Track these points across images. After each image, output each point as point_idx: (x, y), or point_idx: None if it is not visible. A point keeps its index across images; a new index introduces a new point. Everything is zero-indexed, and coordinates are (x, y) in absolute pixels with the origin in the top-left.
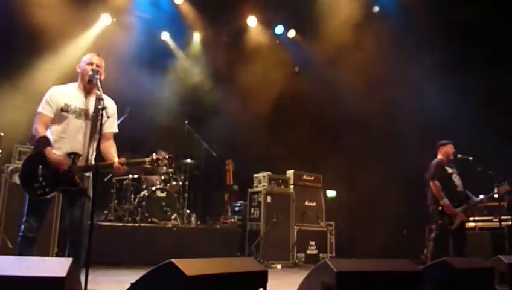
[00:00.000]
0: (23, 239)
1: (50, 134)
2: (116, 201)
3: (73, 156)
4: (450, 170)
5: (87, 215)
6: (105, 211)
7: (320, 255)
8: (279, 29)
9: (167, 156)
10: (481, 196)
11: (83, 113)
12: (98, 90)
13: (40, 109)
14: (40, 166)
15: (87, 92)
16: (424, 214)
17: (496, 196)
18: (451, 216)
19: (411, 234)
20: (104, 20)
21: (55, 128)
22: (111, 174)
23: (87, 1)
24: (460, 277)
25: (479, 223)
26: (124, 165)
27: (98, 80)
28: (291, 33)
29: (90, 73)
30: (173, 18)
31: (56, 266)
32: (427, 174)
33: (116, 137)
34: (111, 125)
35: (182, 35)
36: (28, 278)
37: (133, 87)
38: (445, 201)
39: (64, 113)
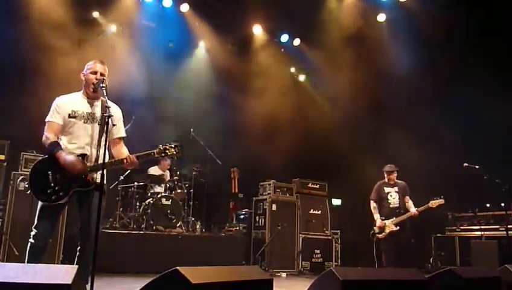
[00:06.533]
0: (34, 246)
1: (60, 140)
2: (121, 209)
3: (81, 157)
4: (387, 190)
5: (95, 221)
6: (111, 219)
7: (326, 263)
8: (284, 38)
9: (174, 145)
10: (412, 209)
11: (90, 118)
12: (104, 97)
13: (48, 118)
14: (51, 171)
15: (92, 98)
16: (430, 223)
17: (430, 206)
18: (381, 227)
19: (417, 243)
20: (111, 29)
21: (65, 133)
22: (116, 182)
23: (94, 10)
24: (466, 286)
25: (486, 233)
26: (135, 159)
27: (104, 89)
28: (297, 41)
29: (95, 82)
30: (179, 27)
31: (62, 273)
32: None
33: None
34: (119, 131)
35: (187, 44)
36: (34, 285)
37: (139, 95)
38: (376, 216)
39: (72, 119)
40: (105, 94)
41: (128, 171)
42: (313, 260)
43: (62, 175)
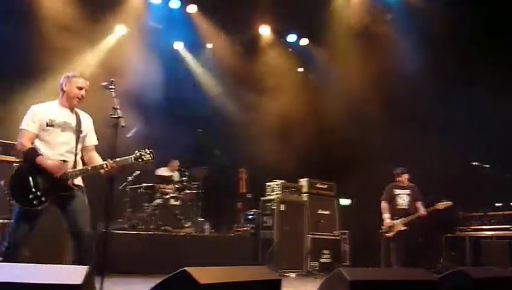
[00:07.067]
0: (11, 251)
1: (39, 146)
2: (130, 209)
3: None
4: (396, 192)
5: (84, 219)
6: (120, 220)
7: (334, 263)
8: (291, 38)
9: (149, 151)
10: (421, 211)
11: (67, 126)
12: (114, 99)
13: (23, 126)
14: (31, 177)
15: (70, 108)
16: (440, 223)
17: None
18: (389, 226)
19: (427, 242)
20: (119, 31)
21: (43, 141)
22: (125, 183)
23: (102, 12)
24: (476, 286)
25: (496, 232)
26: (114, 164)
27: (113, 91)
28: (304, 41)
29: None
30: (186, 28)
31: (72, 273)
32: None
33: (129, 146)
34: (91, 139)
35: (195, 45)
36: (44, 286)
37: (147, 96)
38: (385, 216)
39: (50, 128)
40: (114, 95)
41: (138, 172)
42: (322, 260)
43: (43, 180)
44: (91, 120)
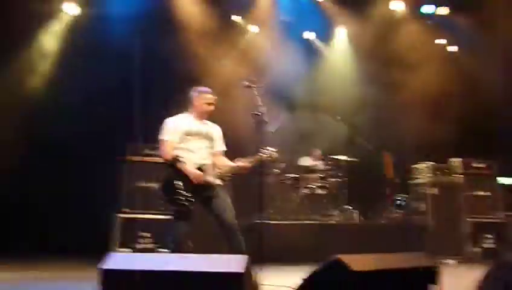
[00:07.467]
0: (175, 244)
1: (181, 153)
2: (279, 200)
3: (200, 168)
4: None
5: (230, 215)
6: (271, 211)
7: (500, 249)
8: (428, 8)
9: (267, 152)
10: None
11: (202, 135)
12: (256, 97)
13: (164, 137)
14: (178, 181)
15: (200, 119)
16: None
17: None
18: None
19: None
20: (252, 30)
21: (184, 149)
22: (273, 174)
23: (234, 14)
24: None
25: None
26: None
27: (255, 89)
28: (443, 10)
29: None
30: (316, 16)
31: (234, 263)
32: None
33: (274, 140)
34: (221, 145)
35: (326, 32)
36: (210, 274)
37: (287, 89)
38: None
39: (189, 136)
40: (256, 93)
41: (283, 163)
42: (484, 245)
43: (187, 184)
44: (219, 129)
